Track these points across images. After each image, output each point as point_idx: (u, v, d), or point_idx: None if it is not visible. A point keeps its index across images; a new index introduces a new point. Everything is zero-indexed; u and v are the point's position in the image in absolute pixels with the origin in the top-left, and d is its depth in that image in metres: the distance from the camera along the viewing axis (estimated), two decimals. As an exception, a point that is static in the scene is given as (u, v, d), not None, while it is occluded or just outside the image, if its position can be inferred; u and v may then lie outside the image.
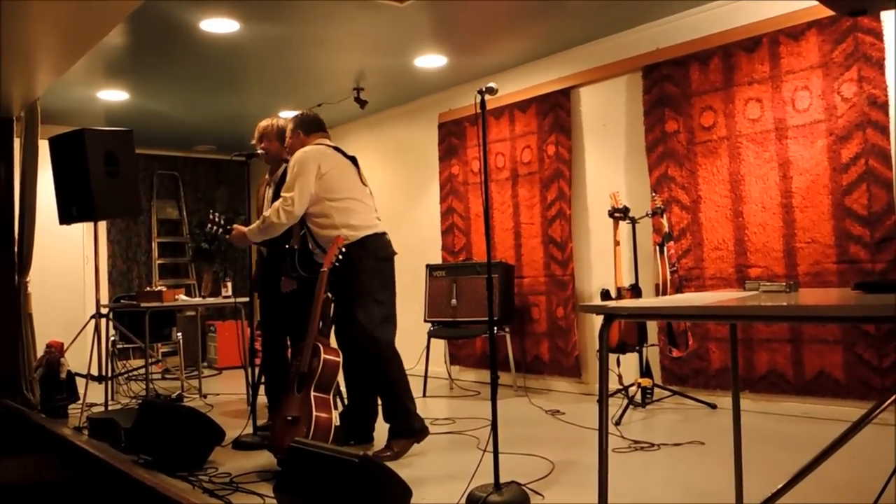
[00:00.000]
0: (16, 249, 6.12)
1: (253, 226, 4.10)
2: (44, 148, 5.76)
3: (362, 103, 6.78)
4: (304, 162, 4.02)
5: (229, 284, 6.57)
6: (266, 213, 4.03)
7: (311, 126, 4.33)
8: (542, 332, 6.03)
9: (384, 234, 4.14)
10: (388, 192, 7.73)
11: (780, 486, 2.12)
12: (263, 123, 4.65)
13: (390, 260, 4.17)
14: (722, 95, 4.95)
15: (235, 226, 4.19)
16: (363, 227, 4.04)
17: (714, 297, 2.28)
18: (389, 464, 2.90)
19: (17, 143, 6.30)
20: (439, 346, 6.61)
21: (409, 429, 3.97)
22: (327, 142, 4.28)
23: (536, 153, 6.11)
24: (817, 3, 4.36)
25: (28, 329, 6.06)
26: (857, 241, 4.35)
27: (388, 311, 4.08)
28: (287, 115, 6.04)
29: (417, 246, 7.19)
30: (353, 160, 4.27)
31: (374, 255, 4.04)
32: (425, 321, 6.15)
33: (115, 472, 3.82)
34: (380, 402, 4.12)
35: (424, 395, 5.86)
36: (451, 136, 6.91)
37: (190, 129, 8.22)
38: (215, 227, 4.21)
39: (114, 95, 6.70)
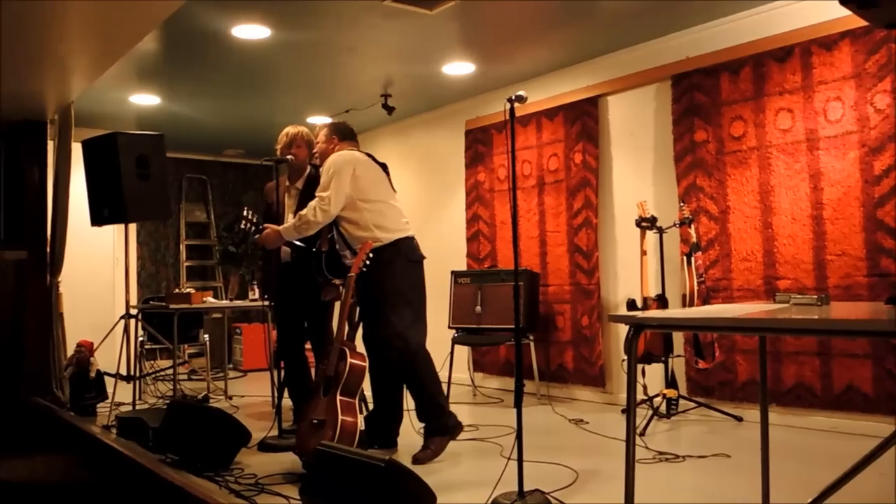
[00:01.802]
0: (48, 250, 6.23)
1: (288, 224, 4.13)
2: (77, 151, 5.85)
3: (390, 110, 6.82)
4: (341, 164, 4.09)
5: (256, 288, 6.61)
6: (302, 212, 4.06)
7: (345, 133, 4.40)
8: (567, 341, 6.01)
9: (413, 237, 4.21)
10: (413, 198, 7.75)
11: (808, 501, 2.11)
12: (293, 130, 4.68)
13: (420, 263, 4.22)
14: (752, 105, 4.92)
15: (267, 225, 4.22)
16: (395, 231, 4.10)
17: (744, 308, 2.27)
18: (415, 468, 2.90)
19: (50, 145, 6.41)
20: (463, 352, 6.62)
21: (444, 426, 4.03)
22: (359, 149, 4.36)
23: (563, 161, 6.11)
24: (851, 13, 4.34)
25: (59, 328, 6.15)
26: (888, 254, 4.30)
27: (418, 312, 4.13)
28: (315, 121, 6.12)
29: (442, 252, 7.19)
30: (384, 167, 4.32)
31: (405, 257, 4.11)
32: (449, 327, 6.15)
33: (143, 470, 3.86)
34: (412, 402, 4.12)
35: (447, 402, 5.85)
36: (478, 144, 6.93)
37: (219, 133, 8.30)
38: (249, 225, 4.23)
39: (145, 100, 6.78)
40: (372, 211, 4.09)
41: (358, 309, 4.16)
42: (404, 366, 4.02)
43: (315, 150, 4.43)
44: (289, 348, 4.63)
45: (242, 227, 4.26)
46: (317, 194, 4.07)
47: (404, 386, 4.20)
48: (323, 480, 2.94)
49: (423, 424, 4.10)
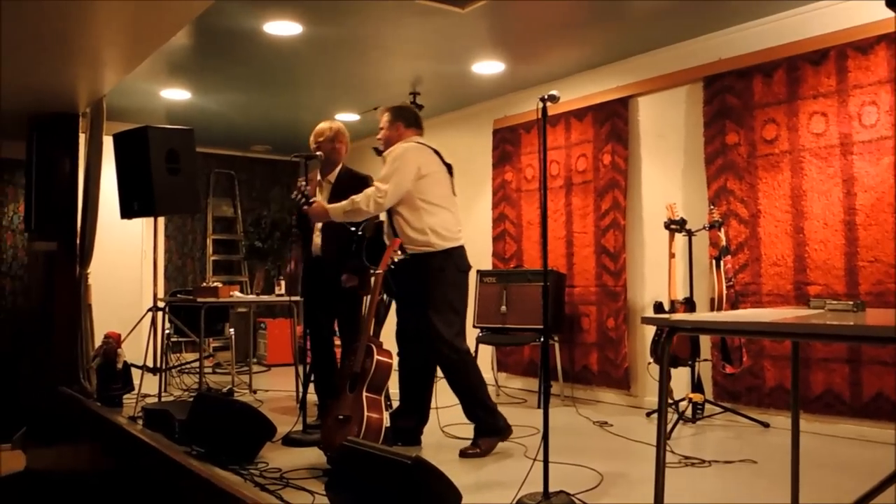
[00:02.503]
0: (78, 242, 6.29)
1: (338, 206, 4.06)
2: (108, 144, 5.91)
3: (418, 108, 6.81)
4: (406, 159, 4.03)
5: (283, 283, 6.65)
6: (356, 197, 3.99)
7: (411, 120, 4.31)
8: (592, 343, 5.98)
9: (464, 246, 4.17)
10: (440, 196, 7.75)
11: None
12: (335, 125, 4.72)
13: (468, 272, 4.20)
14: (785, 108, 4.87)
15: (317, 200, 4.17)
16: (450, 238, 4.07)
17: (779, 313, 2.25)
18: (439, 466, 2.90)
19: (82, 138, 6.48)
20: (487, 352, 6.60)
21: (495, 427, 4.06)
22: (425, 142, 4.27)
23: (592, 162, 6.08)
24: (886, 17, 4.28)
25: (87, 319, 6.22)
26: (922, 261, 4.24)
27: (463, 321, 4.11)
28: (343, 118, 6.11)
29: (468, 252, 7.16)
30: (449, 168, 4.26)
31: (456, 266, 4.08)
32: (474, 327, 6.14)
33: (169, 461, 3.89)
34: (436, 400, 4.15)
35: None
36: (506, 143, 6.91)
37: (247, 129, 8.35)
38: (300, 196, 4.15)
39: (176, 94, 6.84)
40: (431, 214, 4.03)
41: (385, 306, 4.16)
42: (454, 373, 4.04)
43: (380, 136, 4.33)
44: (317, 343, 4.65)
45: (294, 196, 4.17)
46: (375, 183, 4.02)
47: (433, 385, 4.19)
48: (349, 476, 2.95)
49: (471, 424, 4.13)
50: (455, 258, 4.08)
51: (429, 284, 3.98)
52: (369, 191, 3.98)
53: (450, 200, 4.18)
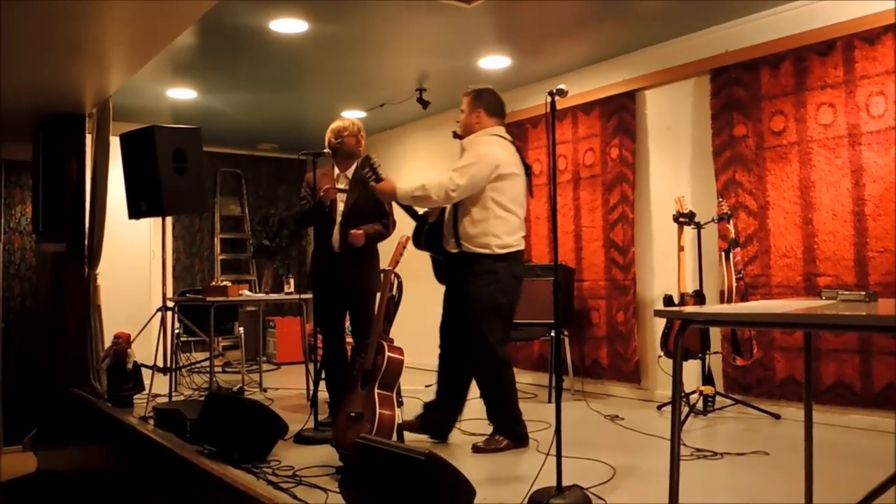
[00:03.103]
0: (86, 242, 6.31)
1: (407, 188, 3.97)
2: (114, 144, 5.92)
3: (425, 104, 6.81)
4: (487, 155, 3.94)
5: (292, 281, 6.65)
6: (428, 184, 3.92)
7: (493, 108, 4.16)
8: (602, 337, 5.98)
9: (522, 251, 4.11)
10: (447, 192, 7.75)
11: (857, 502, 2.08)
12: (356, 122, 4.72)
13: (522, 279, 4.14)
14: (793, 100, 4.85)
15: (387, 177, 4.03)
16: (510, 245, 3.99)
17: (792, 304, 2.24)
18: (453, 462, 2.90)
19: (89, 139, 6.49)
20: (496, 347, 6.60)
21: (516, 433, 4.03)
22: (507, 136, 4.17)
23: (599, 156, 6.07)
24: (893, 7, 4.26)
25: (97, 320, 6.24)
26: (933, 251, 4.22)
27: (506, 328, 4.04)
28: (350, 115, 6.10)
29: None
30: (528, 168, 4.14)
31: (511, 272, 4.00)
32: (483, 322, 6.14)
33: (181, 461, 3.90)
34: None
35: (481, 396, 5.85)
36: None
37: (253, 127, 8.36)
38: (369, 172, 4.01)
39: (182, 94, 6.84)
40: (497, 216, 3.93)
41: (396, 303, 4.15)
42: (488, 379, 4.01)
43: (462, 120, 4.20)
44: (329, 340, 4.63)
45: (364, 172, 4.03)
46: (450, 173, 3.92)
47: (470, 382, 4.16)
48: (362, 473, 2.95)
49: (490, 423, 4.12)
50: (511, 263, 3.99)
51: (480, 286, 3.91)
52: (443, 180, 3.89)
53: (520, 204, 4.06)
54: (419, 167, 8.15)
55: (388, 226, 4.68)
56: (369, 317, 4.44)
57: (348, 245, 4.50)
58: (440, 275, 4.28)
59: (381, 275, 4.11)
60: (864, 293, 2.30)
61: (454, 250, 4.03)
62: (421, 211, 4.24)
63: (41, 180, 6.71)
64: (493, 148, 3.98)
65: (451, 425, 4.25)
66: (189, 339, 7.04)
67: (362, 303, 4.58)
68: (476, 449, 3.98)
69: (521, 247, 4.06)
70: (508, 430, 4.02)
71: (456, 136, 4.25)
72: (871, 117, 4.50)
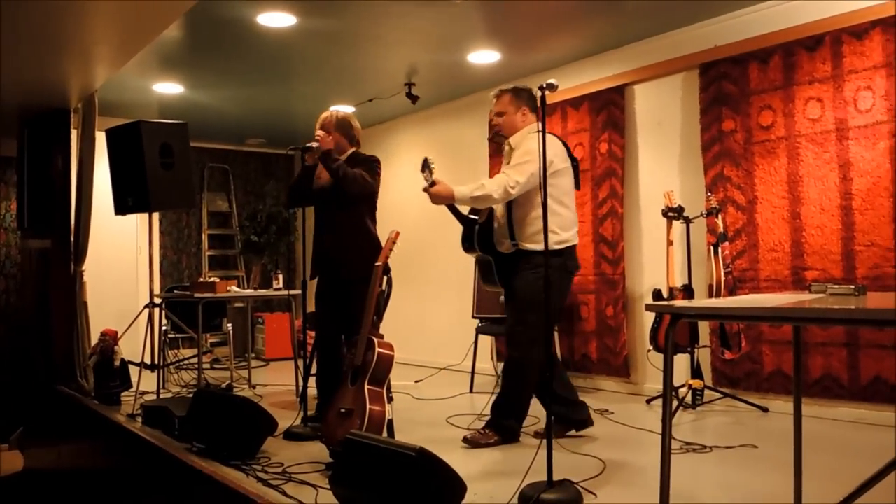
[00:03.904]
0: (72, 239, 6.26)
1: (465, 189, 3.87)
2: (100, 139, 5.87)
3: (414, 99, 6.80)
4: (546, 152, 3.95)
5: (280, 276, 6.63)
6: (486, 183, 3.86)
7: (532, 104, 4.10)
8: (591, 331, 5.98)
9: (575, 246, 4.06)
10: (436, 187, 7.73)
11: (842, 498, 2.09)
12: (323, 114, 4.58)
13: (573, 274, 4.10)
14: (781, 94, 4.87)
15: (440, 181, 3.87)
16: (568, 239, 3.97)
17: (781, 298, 2.24)
18: (445, 457, 2.89)
19: (74, 134, 6.44)
20: (486, 342, 6.61)
21: (509, 429, 4.01)
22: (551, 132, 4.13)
23: (589, 151, 6.07)
24: (881, 2, 4.28)
25: (83, 317, 6.19)
26: (919, 244, 4.25)
27: (544, 326, 3.88)
28: (339, 108, 6.07)
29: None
30: (575, 162, 4.10)
31: (564, 267, 3.97)
32: (473, 317, 6.15)
33: (170, 459, 3.88)
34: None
35: (471, 391, 5.87)
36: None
37: (241, 122, 8.32)
38: (426, 173, 3.88)
39: (168, 88, 6.80)
40: (555, 213, 3.87)
41: (385, 298, 4.11)
42: (511, 374, 3.98)
43: (495, 122, 4.14)
44: (327, 341, 4.52)
45: (422, 171, 3.90)
46: (507, 171, 3.86)
47: (545, 381, 4.06)
48: (353, 469, 2.94)
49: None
50: (566, 258, 3.96)
51: (531, 279, 3.87)
52: (501, 178, 3.83)
53: (571, 198, 4.04)
54: (409, 162, 8.13)
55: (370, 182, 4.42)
56: (360, 305, 4.29)
57: (324, 157, 4.27)
58: (489, 278, 4.18)
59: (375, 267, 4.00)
60: (853, 287, 2.31)
61: (509, 250, 3.99)
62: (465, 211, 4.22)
63: (26, 176, 6.65)
64: (547, 143, 3.97)
65: (580, 412, 4.17)
66: (177, 335, 7.01)
67: (354, 289, 4.32)
68: (466, 441, 3.98)
69: (576, 241, 4.05)
70: (502, 428, 3.99)
71: (497, 136, 4.19)
72: (858, 112, 4.52)
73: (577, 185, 4.13)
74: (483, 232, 4.16)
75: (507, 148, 4.10)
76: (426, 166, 3.84)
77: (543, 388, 4.08)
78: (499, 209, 4.07)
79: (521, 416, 4.05)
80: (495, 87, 6.83)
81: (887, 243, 4.37)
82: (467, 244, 4.20)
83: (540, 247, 3.81)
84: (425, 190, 3.86)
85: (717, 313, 2.09)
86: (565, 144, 4.10)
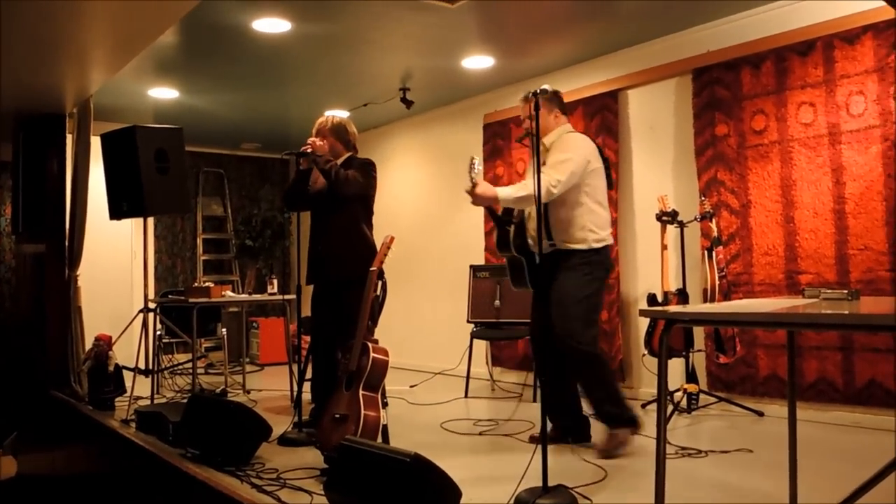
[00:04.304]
0: (67, 243, 6.25)
1: (508, 190, 3.85)
2: (95, 144, 5.86)
3: (408, 104, 6.80)
4: (580, 149, 3.93)
5: (275, 281, 6.62)
6: (528, 182, 3.79)
7: (564, 106, 4.18)
8: (585, 336, 5.98)
9: (609, 247, 4.06)
10: (431, 192, 7.75)
11: (844, 497, 2.09)
12: (319, 119, 4.59)
13: (609, 274, 4.11)
14: (774, 99, 4.89)
15: (483, 181, 3.81)
16: (606, 238, 3.99)
17: (774, 303, 2.25)
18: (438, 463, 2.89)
19: (69, 139, 6.43)
20: (481, 346, 6.62)
21: (628, 421, 3.95)
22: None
23: (582, 155, 6.07)
24: (872, 7, 4.31)
25: (77, 322, 6.18)
26: (912, 248, 4.26)
27: (597, 321, 4.00)
28: (334, 114, 6.08)
29: (461, 246, 7.20)
30: (607, 162, 4.13)
31: (602, 266, 3.99)
32: (468, 322, 6.15)
33: (164, 464, 3.87)
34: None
35: (466, 396, 5.87)
36: (497, 138, 6.91)
37: (236, 127, 8.31)
38: (472, 173, 3.79)
39: (164, 93, 6.79)
40: (590, 210, 3.92)
41: (380, 304, 4.12)
42: (583, 375, 3.94)
43: (528, 125, 4.06)
44: (322, 346, 4.51)
45: (469, 172, 3.83)
46: (547, 171, 3.83)
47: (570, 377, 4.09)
48: (347, 475, 2.94)
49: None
50: (603, 257, 3.98)
51: (575, 279, 3.87)
52: (543, 179, 3.67)
53: (606, 197, 4.07)
54: (404, 167, 8.15)
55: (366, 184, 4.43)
56: (355, 308, 4.10)
57: (315, 158, 4.28)
58: (520, 279, 4.13)
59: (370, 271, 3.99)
60: (846, 291, 2.31)
61: (546, 250, 3.96)
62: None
63: (21, 180, 6.64)
64: (583, 142, 4.01)
65: (580, 425, 4.16)
66: (171, 340, 7.00)
67: (348, 292, 4.24)
68: (601, 453, 3.84)
69: (611, 241, 4.05)
70: (620, 420, 3.90)
71: (528, 136, 4.11)
72: (850, 116, 4.54)
73: (611, 185, 4.14)
74: (516, 233, 4.13)
75: (542, 149, 4.07)
76: (473, 167, 3.77)
77: (557, 395, 4.10)
78: (533, 209, 4.04)
79: (618, 399, 3.94)
80: (490, 92, 6.90)
81: (880, 247, 4.39)
82: (503, 245, 4.16)
83: (579, 245, 3.88)
84: (468, 192, 3.80)
85: (710, 318, 2.09)
86: (597, 144, 4.12)
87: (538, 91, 3.23)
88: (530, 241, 4.07)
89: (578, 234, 3.93)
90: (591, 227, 3.93)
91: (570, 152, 3.90)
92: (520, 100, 4.16)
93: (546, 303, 3.99)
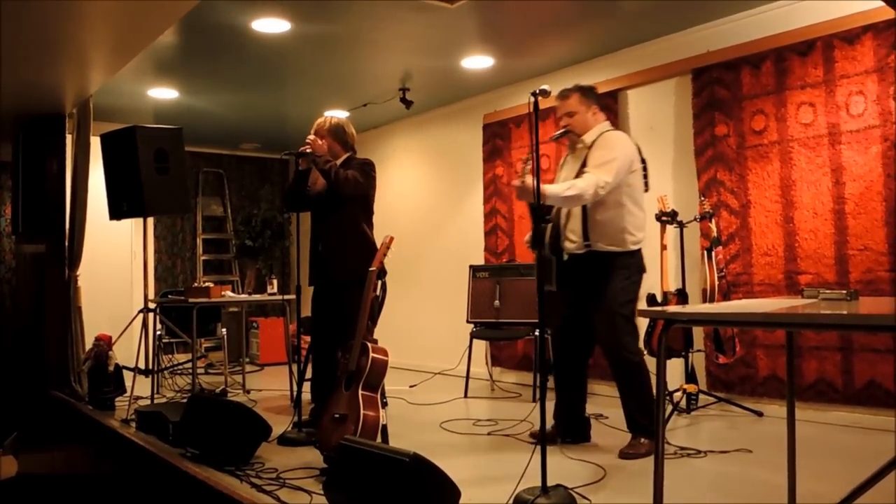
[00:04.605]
0: (66, 244, 6.25)
1: (557, 189, 3.79)
2: (95, 144, 5.87)
3: (408, 104, 6.80)
4: (629, 153, 3.91)
5: (275, 281, 6.62)
6: (578, 183, 3.76)
7: (600, 103, 4.14)
8: (585, 336, 5.98)
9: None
10: (431, 192, 7.75)
11: (838, 501, 2.09)
12: (332, 121, 4.59)
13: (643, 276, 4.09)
14: (774, 99, 4.89)
15: (530, 179, 3.72)
16: (640, 241, 3.98)
17: (774, 303, 2.25)
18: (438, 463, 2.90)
19: (69, 139, 6.43)
20: (481, 346, 6.61)
21: (576, 428, 4.07)
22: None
23: (582, 155, 6.07)
24: (872, 7, 4.31)
25: (77, 322, 6.18)
26: (912, 249, 4.26)
27: (636, 325, 3.96)
28: (333, 114, 6.07)
29: (460, 247, 7.20)
30: (644, 163, 4.12)
31: (638, 268, 3.99)
32: (468, 322, 6.15)
33: (164, 464, 3.87)
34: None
35: (466, 396, 5.87)
36: (496, 138, 6.91)
37: (236, 127, 8.31)
38: (524, 168, 3.78)
39: (163, 93, 6.80)
40: (630, 212, 3.90)
41: (380, 304, 4.12)
42: (627, 380, 3.92)
43: (565, 122, 4.06)
44: (322, 345, 4.52)
45: (518, 171, 3.84)
46: (594, 171, 3.81)
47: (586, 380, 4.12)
48: (346, 475, 2.94)
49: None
50: (638, 259, 3.97)
51: (614, 283, 3.85)
52: (591, 179, 3.77)
53: (643, 198, 4.06)
54: (403, 167, 8.15)
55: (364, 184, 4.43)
56: (355, 308, 4.04)
57: (314, 158, 4.30)
58: (548, 277, 4.04)
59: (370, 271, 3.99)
60: (845, 292, 2.31)
61: (580, 250, 3.94)
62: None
63: (21, 181, 6.64)
64: (626, 141, 3.97)
65: (587, 428, 4.20)
66: (171, 340, 7.00)
67: (348, 292, 4.25)
68: (623, 455, 3.82)
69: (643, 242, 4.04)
70: (647, 431, 3.86)
71: (568, 135, 4.11)
72: (850, 116, 4.54)
73: (647, 187, 4.13)
74: (551, 232, 4.10)
75: (578, 146, 4.05)
76: (525, 164, 3.80)
77: (569, 396, 4.12)
78: (569, 212, 4.03)
79: (649, 411, 3.89)
80: (490, 92, 6.90)
81: (880, 247, 4.39)
82: (537, 242, 4.03)
83: (617, 248, 3.87)
84: (516, 185, 3.77)
85: (709, 319, 2.09)
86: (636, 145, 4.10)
87: (538, 91, 3.21)
88: (566, 242, 4.03)
89: (617, 236, 3.90)
90: (630, 229, 3.91)
91: (616, 152, 3.86)
92: (556, 97, 4.07)
93: (578, 304, 3.99)
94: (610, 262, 3.88)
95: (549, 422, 4.02)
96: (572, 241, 4.00)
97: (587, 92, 4.09)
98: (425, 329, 7.58)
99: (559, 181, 4.10)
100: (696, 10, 5.05)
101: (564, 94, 4.08)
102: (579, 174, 3.91)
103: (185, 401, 4.53)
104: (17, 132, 6.59)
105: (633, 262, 3.95)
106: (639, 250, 3.99)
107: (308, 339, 4.75)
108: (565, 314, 4.13)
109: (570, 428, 4.14)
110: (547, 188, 3.76)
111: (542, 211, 3.94)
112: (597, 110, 4.10)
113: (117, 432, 4.64)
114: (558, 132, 4.13)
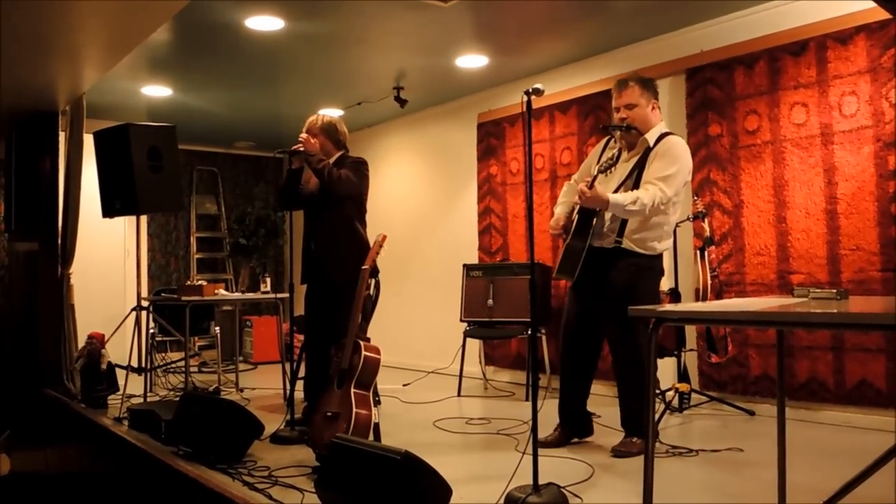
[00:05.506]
0: (59, 241, 6.24)
1: (621, 200, 3.66)
2: (88, 142, 5.85)
3: (402, 102, 6.80)
4: (688, 162, 3.81)
5: (269, 280, 6.62)
6: (642, 197, 3.65)
7: (658, 98, 3.96)
8: (578, 335, 5.99)
9: None
10: (425, 191, 7.75)
11: (825, 499, 2.10)
12: (324, 119, 4.58)
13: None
14: (767, 99, 4.90)
15: (599, 187, 3.70)
16: (668, 247, 3.97)
17: (765, 302, 2.26)
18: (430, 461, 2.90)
19: (62, 136, 6.42)
20: (474, 345, 6.62)
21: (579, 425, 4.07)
22: None
23: (577, 155, 6.09)
24: (865, 8, 4.32)
25: (70, 320, 6.17)
26: (903, 249, 4.28)
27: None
28: (326, 112, 6.08)
29: (454, 245, 7.20)
30: None
31: (660, 271, 3.98)
32: (461, 321, 6.15)
33: (156, 462, 3.87)
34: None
35: (459, 395, 5.88)
36: (490, 137, 6.91)
37: (230, 125, 8.30)
38: (604, 170, 3.76)
39: (157, 91, 6.78)
40: (668, 220, 3.84)
41: (373, 302, 4.12)
42: (637, 381, 3.88)
43: (624, 114, 3.88)
44: (315, 344, 4.52)
45: (592, 175, 3.73)
46: (658, 184, 3.70)
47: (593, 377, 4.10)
48: (338, 473, 2.94)
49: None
50: (661, 262, 3.96)
51: (643, 285, 3.81)
52: (656, 194, 3.66)
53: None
54: (397, 166, 8.15)
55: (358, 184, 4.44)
56: (348, 307, 4.04)
57: (307, 157, 4.29)
58: (570, 270, 3.93)
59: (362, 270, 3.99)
60: (835, 291, 2.32)
61: (610, 245, 3.86)
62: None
63: (13, 178, 6.63)
64: (686, 152, 3.85)
65: (590, 422, 4.19)
66: (164, 338, 6.99)
67: (341, 291, 4.25)
68: (616, 453, 3.82)
69: None
70: (642, 432, 3.85)
71: (616, 128, 3.92)
72: (843, 117, 4.55)
73: None
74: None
75: (646, 149, 3.89)
76: (594, 173, 3.79)
77: (574, 395, 4.11)
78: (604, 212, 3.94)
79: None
80: (484, 91, 6.90)
81: (872, 247, 4.40)
82: (580, 234, 3.93)
83: (646, 251, 3.81)
84: (588, 194, 3.67)
85: (699, 317, 2.10)
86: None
87: (531, 90, 3.20)
88: (596, 237, 3.89)
89: (650, 241, 3.85)
90: (659, 234, 3.86)
91: (680, 162, 3.76)
92: (613, 87, 3.95)
93: (593, 298, 3.94)
94: (635, 263, 3.83)
95: (547, 422, 4.01)
96: (605, 235, 3.89)
97: (648, 84, 3.90)
98: (419, 328, 7.58)
99: (610, 178, 3.94)
100: (690, 11, 5.06)
101: (623, 84, 3.89)
102: (638, 180, 3.80)
103: (177, 399, 4.52)
104: (9, 130, 6.58)
105: (658, 265, 3.93)
106: (662, 254, 3.97)
107: (301, 337, 4.74)
108: (579, 307, 4.07)
109: (574, 424, 4.12)
110: (613, 199, 3.66)
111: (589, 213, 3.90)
112: (656, 105, 3.92)
113: (110, 430, 4.63)
114: (617, 125, 3.90)
